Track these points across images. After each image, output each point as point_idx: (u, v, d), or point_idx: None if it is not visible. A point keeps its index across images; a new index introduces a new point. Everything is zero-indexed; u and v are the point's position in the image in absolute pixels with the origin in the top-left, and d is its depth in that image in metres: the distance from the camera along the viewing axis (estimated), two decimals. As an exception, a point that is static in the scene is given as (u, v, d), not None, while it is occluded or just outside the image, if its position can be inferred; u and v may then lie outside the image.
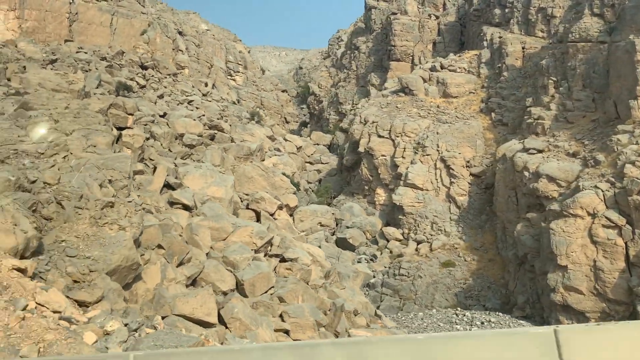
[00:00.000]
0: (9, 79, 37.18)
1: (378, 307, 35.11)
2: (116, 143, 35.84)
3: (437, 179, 46.07)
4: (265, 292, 24.74)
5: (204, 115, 51.09)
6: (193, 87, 64.36)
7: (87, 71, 45.59)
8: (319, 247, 40.27)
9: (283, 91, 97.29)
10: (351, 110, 76.33)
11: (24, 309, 12.34)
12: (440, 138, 47.90)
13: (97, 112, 38.92)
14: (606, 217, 29.41)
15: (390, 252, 43.02)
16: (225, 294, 23.43)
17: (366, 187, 50.91)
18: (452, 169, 45.85)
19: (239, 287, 24.51)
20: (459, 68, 59.07)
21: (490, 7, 63.97)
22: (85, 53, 50.07)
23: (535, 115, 43.25)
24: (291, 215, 46.18)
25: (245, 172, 45.05)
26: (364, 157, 50.70)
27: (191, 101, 56.17)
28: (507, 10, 60.99)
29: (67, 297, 15.24)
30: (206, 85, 70.77)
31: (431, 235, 42.65)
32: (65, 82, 40.83)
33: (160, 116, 45.23)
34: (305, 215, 46.92)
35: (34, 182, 21.59)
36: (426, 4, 79.69)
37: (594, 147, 36.05)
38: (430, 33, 74.90)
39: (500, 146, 43.62)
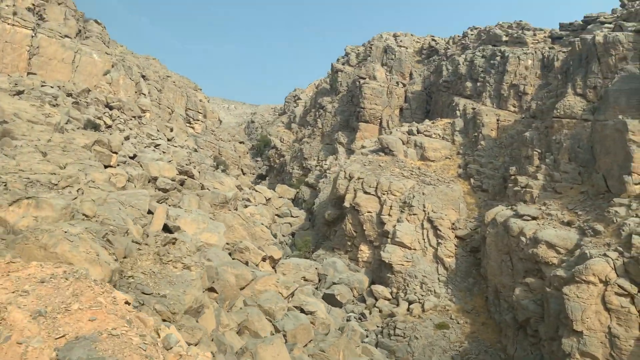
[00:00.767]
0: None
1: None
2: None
3: (424, 239, 45.99)
4: (305, 345, 22.79)
5: (172, 160, 49.19)
6: (158, 131, 62.26)
7: (54, 105, 43.11)
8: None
9: (241, 142, 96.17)
10: (316, 166, 76.32)
11: (171, 348, 10.23)
12: (427, 199, 48.29)
13: (82, 148, 36.67)
14: (619, 285, 30.09)
15: (380, 311, 41.78)
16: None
17: (349, 243, 49.84)
18: (440, 230, 46.04)
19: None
20: (434, 134, 60.87)
21: (462, 80, 67.25)
22: (52, 87, 47.34)
23: (523, 184, 44.84)
24: (273, 267, 44.21)
25: (226, 221, 43.11)
26: (348, 212, 49.94)
27: (158, 145, 54.08)
28: (479, 84, 64.29)
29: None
30: (171, 130, 68.76)
31: (422, 295, 41.98)
32: (41, 115, 38.54)
33: (130, 157, 43.14)
34: (287, 268, 45.02)
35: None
36: (394, 72, 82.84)
37: (588, 218, 37.49)
38: (397, 99, 77.46)
39: (488, 211, 44.40)
